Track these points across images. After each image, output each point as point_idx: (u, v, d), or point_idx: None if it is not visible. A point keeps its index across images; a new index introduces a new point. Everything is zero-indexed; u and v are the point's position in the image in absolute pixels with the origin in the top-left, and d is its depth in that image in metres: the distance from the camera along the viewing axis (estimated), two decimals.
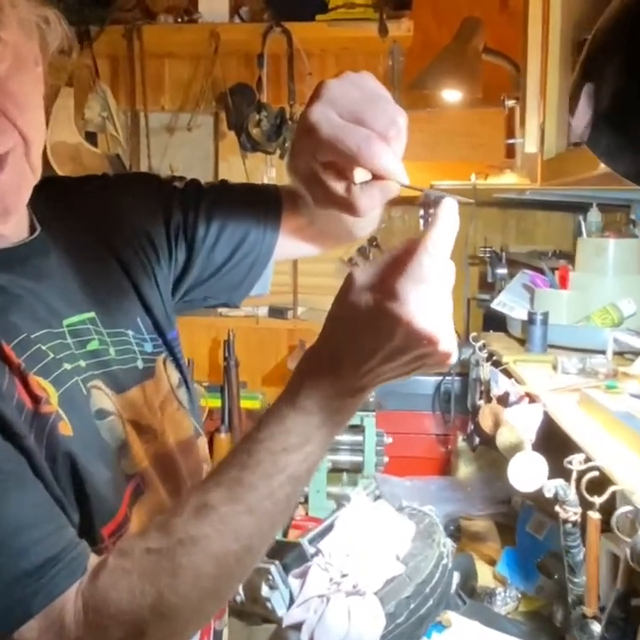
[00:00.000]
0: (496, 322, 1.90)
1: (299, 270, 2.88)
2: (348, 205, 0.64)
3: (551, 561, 1.35)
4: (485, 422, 1.43)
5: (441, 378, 2.36)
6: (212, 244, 0.94)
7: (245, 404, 2.60)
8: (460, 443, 2.19)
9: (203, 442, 0.93)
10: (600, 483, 0.93)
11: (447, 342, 0.59)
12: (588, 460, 0.92)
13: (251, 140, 2.41)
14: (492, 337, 1.75)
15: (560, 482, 1.02)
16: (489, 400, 1.44)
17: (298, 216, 0.99)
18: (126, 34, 2.53)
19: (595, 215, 1.98)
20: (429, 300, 0.58)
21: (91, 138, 2.64)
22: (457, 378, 2.26)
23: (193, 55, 2.62)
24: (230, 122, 2.55)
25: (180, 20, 2.55)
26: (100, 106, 2.56)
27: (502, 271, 2.35)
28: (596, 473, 0.93)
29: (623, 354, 1.48)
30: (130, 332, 0.85)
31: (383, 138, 0.61)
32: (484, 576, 1.67)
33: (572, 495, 0.99)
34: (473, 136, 2.59)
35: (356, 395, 0.64)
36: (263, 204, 0.99)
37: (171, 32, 2.54)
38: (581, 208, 2.71)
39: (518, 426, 1.09)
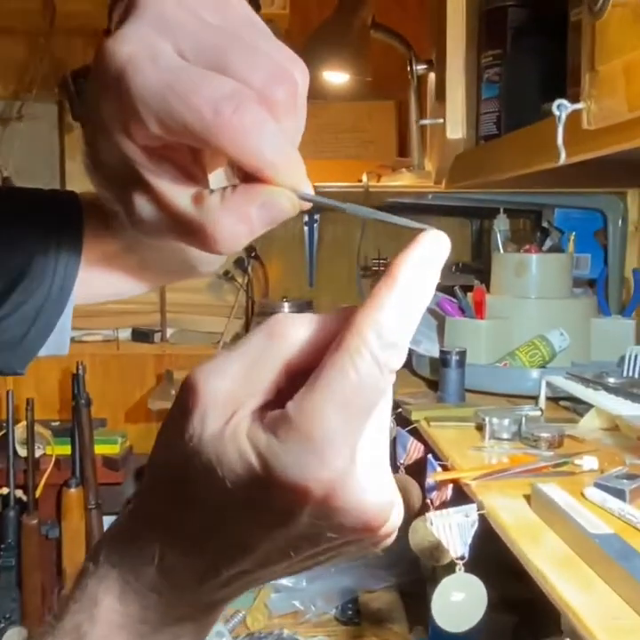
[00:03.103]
0: None
1: (166, 285, 2.49)
2: (195, 233, 0.32)
3: None
4: None
5: None
6: None
7: (101, 449, 2.18)
8: None
9: None
10: None
11: (394, 519, 0.32)
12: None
13: None
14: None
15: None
16: (395, 469, 1.11)
17: (108, 238, 0.64)
18: None
19: (503, 223, 1.71)
20: (370, 446, 0.31)
21: None
22: None
23: (25, 31, 2.17)
24: (74, 111, 2.12)
25: None
26: None
27: None
28: None
29: (557, 399, 1.19)
30: None
31: (263, 100, 0.30)
32: None
33: None
34: (361, 131, 2.29)
35: (207, 613, 0.37)
36: (55, 220, 0.65)
37: None
38: (480, 213, 2.49)
39: (446, 540, 0.76)
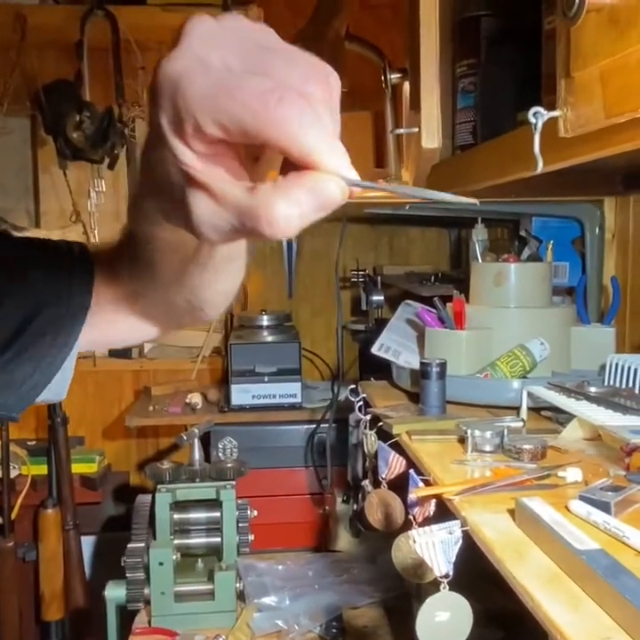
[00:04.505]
0: (376, 361, 1.55)
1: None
2: (251, 220, 0.34)
3: None
4: (373, 515, 1.08)
5: (314, 426, 2.01)
6: None
7: (79, 468, 2.14)
8: (340, 505, 1.84)
9: None
10: None
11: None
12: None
13: (70, 145, 1.96)
14: (374, 388, 1.40)
15: None
16: (377, 484, 1.09)
17: (114, 285, 0.66)
18: None
19: (481, 233, 1.70)
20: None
21: None
22: (333, 425, 1.92)
23: None
24: (47, 125, 2.09)
25: None
26: None
27: (379, 298, 2.04)
28: None
29: (539, 410, 1.18)
30: None
31: (303, 95, 0.33)
32: None
33: None
34: None
35: None
36: (66, 269, 0.66)
37: None
38: (458, 223, 2.49)
39: (429, 558, 0.74)
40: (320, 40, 1.47)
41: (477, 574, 0.92)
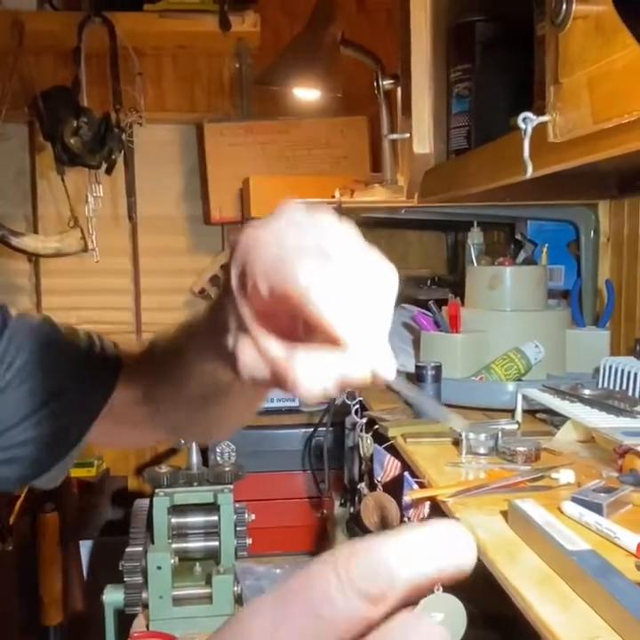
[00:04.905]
0: None
1: (142, 305, 2.47)
2: (281, 376, 0.39)
3: None
4: (369, 518, 1.08)
5: (311, 430, 2.01)
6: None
7: (78, 473, 2.15)
8: (337, 508, 1.84)
9: None
10: None
11: None
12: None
13: (68, 151, 1.96)
14: (370, 392, 1.41)
15: None
16: (373, 487, 1.09)
17: (137, 388, 0.68)
18: None
19: (477, 236, 1.71)
20: None
21: None
22: (330, 428, 1.92)
23: None
24: (45, 131, 2.10)
25: None
26: None
27: None
28: None
29: (534, 412, 1.19)
30: None
31: (354, 287, 0.37)
32: None
33: None
34: (335, 147, 2.29)
35: None
36: (98, 358, 0.69)
37: None
38: (455, 226, 2.50)
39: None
40: (315, 47, 1.48)
41: (474, 576, 0.93)
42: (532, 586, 0.64)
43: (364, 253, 0.39)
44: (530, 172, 0.68)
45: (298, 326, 0.40)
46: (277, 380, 0.40)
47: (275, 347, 0.40)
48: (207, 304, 0.51)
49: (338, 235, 0.39)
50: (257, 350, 0.40)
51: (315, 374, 0.37)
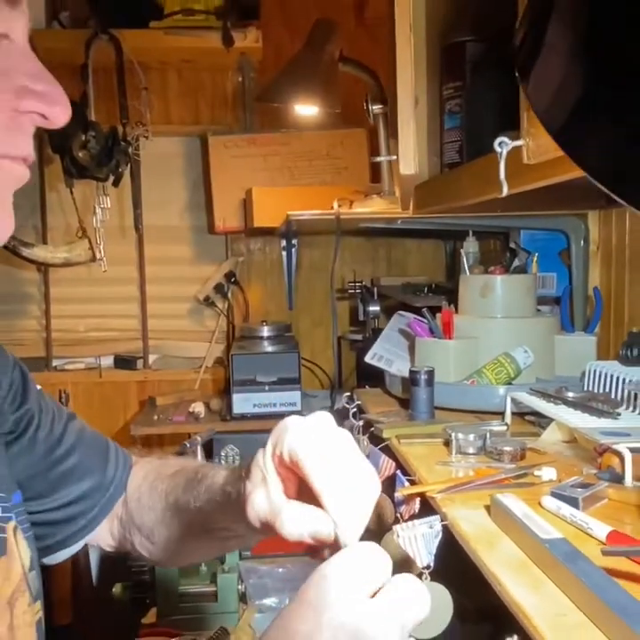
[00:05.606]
0: (372, 369, 1.62)
1: (148, 312, 2.53)
2: (273, 515, 0.55)
3: None
4: None
5: None
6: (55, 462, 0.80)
7: None
8: None
9: None
10: None
11: None
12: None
13: (76, 164, 2.03)
14: (368, 396, 1.47)
15: None
16: None
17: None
18: None
19: (472, 245, 1.77)
20: None
21: None
22: None
23: None
24: (54, 144, 2.16)
25: None
26: None
27: (375, 308, 2.10)
28: None
29: (523, 414, 1.24)
30: None
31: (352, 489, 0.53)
32: None
33: None
34: (335, 158, 2.35)
35: None
36: (119, 458, 0.86)
37: None
38: (453, 235, 2.55)
39: (412, 551, 0.80)
40: (314, 65, 1.55)
41: (469, 572, 0.98)
42: (508, 571, 0.70)
43: (358, 459, 0.54)
44: (505, 191, 0.74)
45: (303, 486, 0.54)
46: (269, 522, 0.54)
47: (278, 494, 0.54)
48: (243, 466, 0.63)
49: (340, 443, 0.54)
50: (267, 497, 0.54)
51: (293, 525, 0.52)
